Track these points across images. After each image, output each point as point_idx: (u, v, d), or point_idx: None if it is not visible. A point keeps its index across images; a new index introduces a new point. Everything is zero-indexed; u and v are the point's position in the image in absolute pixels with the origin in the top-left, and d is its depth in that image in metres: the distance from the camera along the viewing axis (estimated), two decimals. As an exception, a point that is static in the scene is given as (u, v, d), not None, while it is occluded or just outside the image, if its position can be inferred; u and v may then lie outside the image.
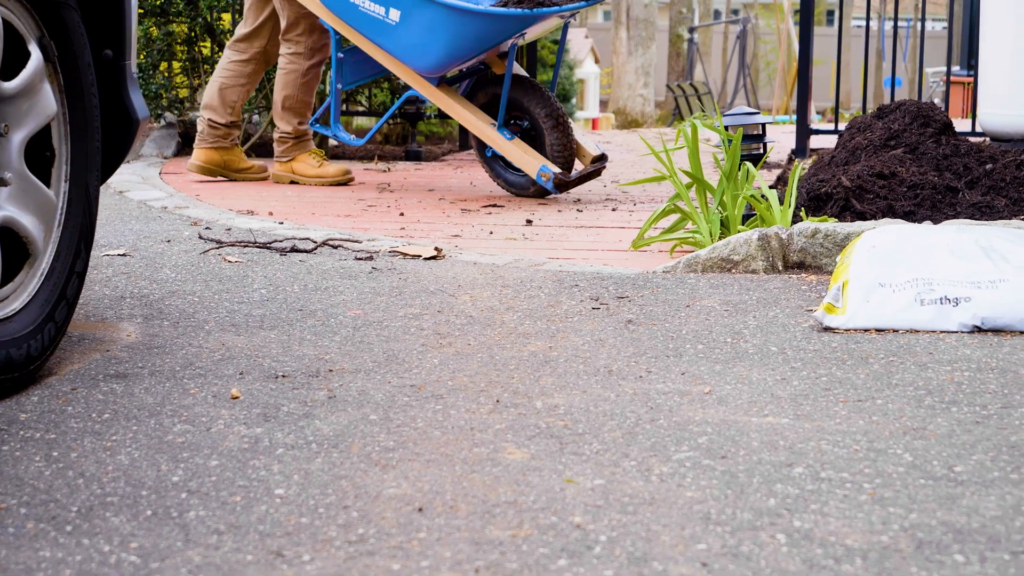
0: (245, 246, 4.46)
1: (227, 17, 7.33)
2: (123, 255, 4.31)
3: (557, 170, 5.51)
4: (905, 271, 3.36)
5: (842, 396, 2.76)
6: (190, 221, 5.04)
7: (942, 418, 2.62)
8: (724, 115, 4.81)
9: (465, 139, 7.91)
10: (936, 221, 4.58)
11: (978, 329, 3.26)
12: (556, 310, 3.57)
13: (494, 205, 5.59)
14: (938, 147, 5.10)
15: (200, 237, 4.61)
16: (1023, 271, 3.31)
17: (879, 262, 3.42)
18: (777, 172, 6.76)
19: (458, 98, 5.71)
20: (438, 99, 5.71)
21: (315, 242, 4.55)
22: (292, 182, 6.25)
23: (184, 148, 7.38)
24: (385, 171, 6.80)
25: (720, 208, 4.52)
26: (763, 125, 4.79)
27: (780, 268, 4.07)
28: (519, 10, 5.38)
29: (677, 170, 4.66)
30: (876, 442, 2.47)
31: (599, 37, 25.25)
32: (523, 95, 5.67)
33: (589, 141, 5.85)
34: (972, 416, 2.63)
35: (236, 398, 2.75)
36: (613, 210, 5.49)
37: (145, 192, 5.82)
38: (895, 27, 7.06)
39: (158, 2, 7.12)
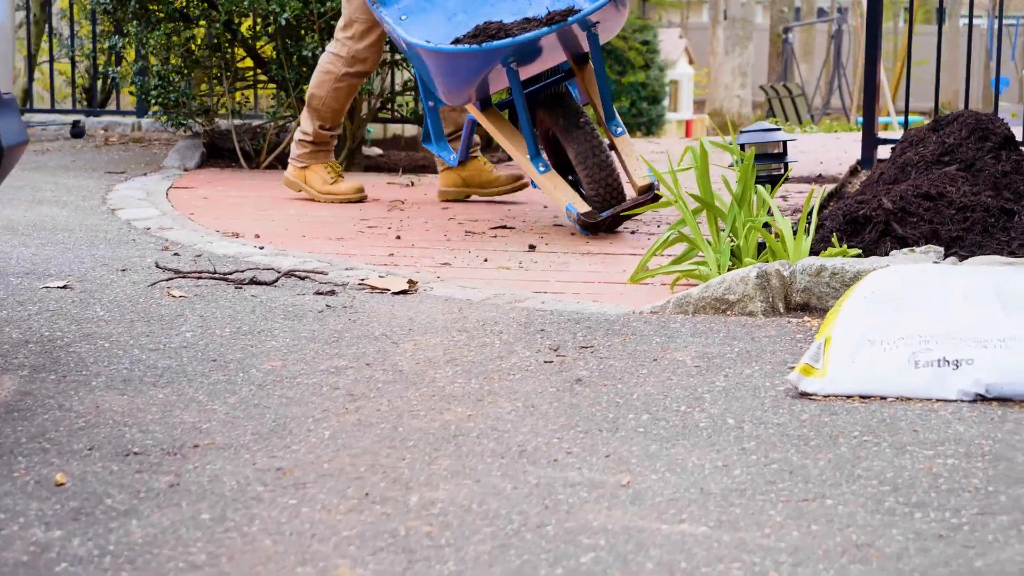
0: (200, 277, 4.03)
1: (247, 22, 6.93)
2: (63, 287, 3.91)
3: (584, 209, 4.77)
4: (902, 324, 2.84)
5: (786, 493, 2.26)
6: (162, 245, 4.63)
7: (899, 529, 2.10)
8: (741, 131, 4.30)
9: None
10: (987, 248, 4.04)
11: (982, 397, 2.73)
12: (502, 363, 3.09)
13: (503, 227, 5.11)
14: (997, 163, 4.54)
15: (158, 266, 4.20)
16: (1042, 327, 2.78)
17: (873, 312, 2.90)
18: (833, 187, 6.21)
19: (501, 123, 5.10)
20: (482, 121, 5.14)
21: (279, 272, 4.11)
22: (302, 192, 5.82)
23: (209, 159, 6.99)
24: (408, 185, 6.34)
25: (732, 236, 4.01)
26: (784, 143, 4.27)
27: (781, 310, 3.56)
28: (467, 46, 4.68)
29: (685, 193, 4.16)
30: (802, 566, 1.96)
31: (695, 37, 24.61)
32: (554, 122, 5.01)
33: (641, 166, 4.99)
34: (938, 526, 2.11)
35: (61, 485, 2.32)
36: (632, 233, 4.99)
37: (138, 210, 5.43)
38: (1000, 24, 6.48)
39: (177, 5, 6.74)
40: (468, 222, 5.24)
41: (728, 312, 3.59)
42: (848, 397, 2.78)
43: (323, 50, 6.06)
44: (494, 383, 2.94)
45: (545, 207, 5.51)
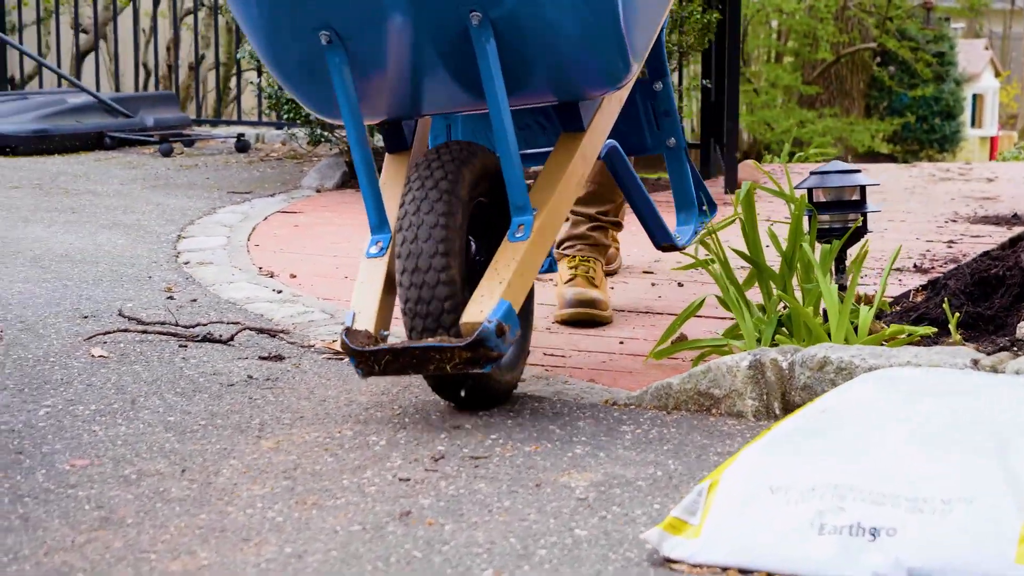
0: (146, 332, 3.47)
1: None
2: (-9, 338, 3.40)
3: (362, 327, 2.74)
4: (824, 466, 2.03)
5: None
6: (165, 285, 4.09)
7: None
8: (812, 172, 3.47)
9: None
10: None
11: (904, 586, 1.90)
12: (346, 479, 2.41)
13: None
14: None
15: (120, 314, 3.65)
16: (1016, 489, 1.93)
17: (794, 444, 2.10)
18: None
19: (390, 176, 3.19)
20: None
21: (237, 327, 3.52)
22: None
23: (351, 179, 6.47)
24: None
25: (791, 301, 3.19)
26: (862, 188, 3.42)
27: (777, 412, 2.75)
28: None
29: (727, 248, 3.37)
30: None
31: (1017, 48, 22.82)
32: None
33: (494, 292, 2.71)
34: None
35: None
36: (679, 285, 4.20)
37: (200, 240, 4.93)
38: None
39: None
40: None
41: (713, 410, 2.80)
42: (724, 570, 1.99)
43: None
44: (304, 510, 2.26)
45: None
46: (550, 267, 3.53)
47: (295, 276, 4.31)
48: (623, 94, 3.18)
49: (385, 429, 2.69)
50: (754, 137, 13.93)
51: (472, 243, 2.88)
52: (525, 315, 2.91)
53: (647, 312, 3.83)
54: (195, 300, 3.90)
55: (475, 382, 2.73)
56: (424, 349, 2.59)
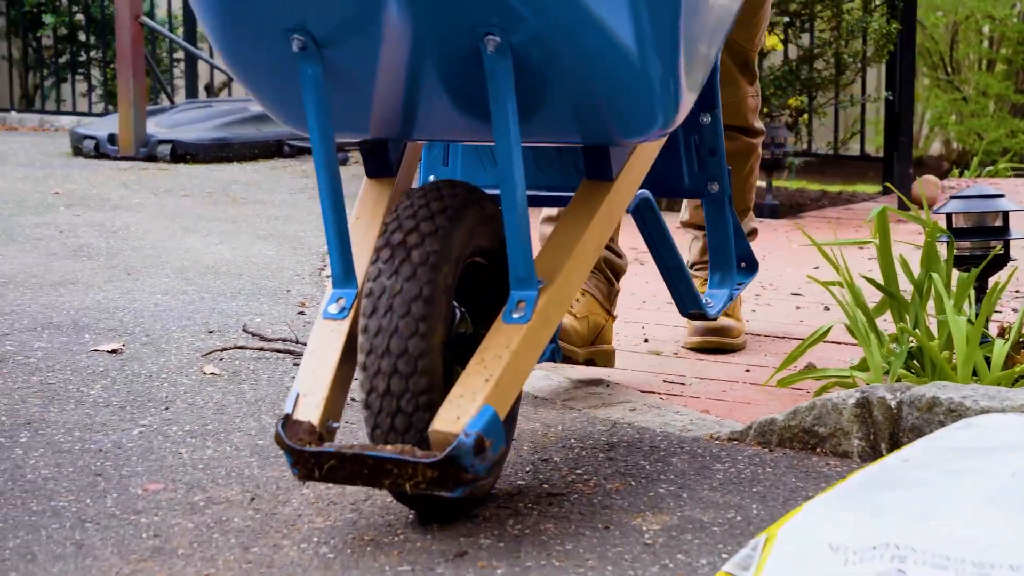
0: (263, 349, 3.45)
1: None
2: (114, 351, 3.42)
3: (305, 417, 2.19)
4: (882, 525, 1.88)
5: None
6: (299, 300, 4.08)
7: None
8: (953, 196, 3.29)
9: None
10: None
11: (962, 661, 1.74)
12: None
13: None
14: None
15: (244, 329, 3.64)
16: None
17: (862, 499, 1.95)
18: None
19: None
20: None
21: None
22: None
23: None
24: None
25: (915, 335, 3.03)
26: (1005, 213, 3.22)
27: (885, 452, 2.59)
28: None
29: (856, 274, 3.21)
30: None
31: None
32: None
33: (476, 396, 2.14)
34: None
35: None
36: (825, 309, 4.01)
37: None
38: None
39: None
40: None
41: (818, 449, 2.65)
42: (774, 632, 1.85)
43: None
44: (358, 547, 2.18)
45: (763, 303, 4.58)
46: (551, 356, 2.98)
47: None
48: (664, 137, 2.61)
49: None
50: (963, 147, 13.48)
51: (457, 312, 2.31)
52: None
53: (784, 338, 3.68)
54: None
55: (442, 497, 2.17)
56: (379, 460, 2.06)
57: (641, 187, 2.69)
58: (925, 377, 2.95)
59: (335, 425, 2.21)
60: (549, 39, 2.12)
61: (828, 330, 3.12)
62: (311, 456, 2.10)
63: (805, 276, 4.34)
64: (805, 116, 7.01)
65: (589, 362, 3.15)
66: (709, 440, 2.75)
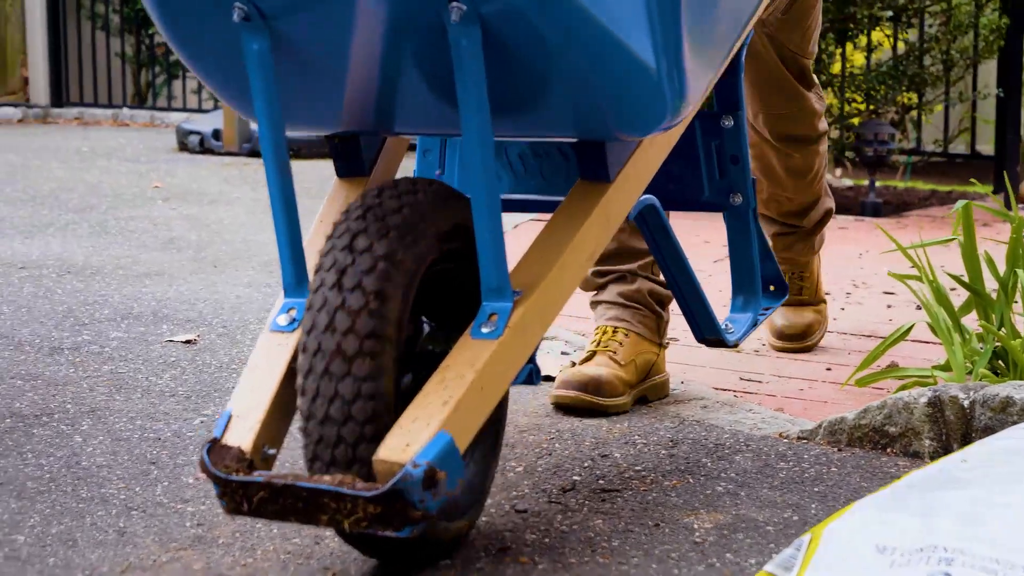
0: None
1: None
2: (188, 342, 3.42)
3: (235, 443, 1.94)
4: (931, 527, 1.80)
5: None
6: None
7: None
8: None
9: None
10: None
11: (1009, 671, 1.66)
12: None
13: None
14: None
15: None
16: None
17: (907, 500, 1.87)
18: None
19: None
20: None
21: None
22: None
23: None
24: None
25: (998, 334, 2.92)
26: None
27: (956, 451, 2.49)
28: None
29: (941, 271, 3.11)
30: None
31: None
32: None
33: (430, 420, 1.87)
34: None
35: None
36: (917, 308, 3.89)
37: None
38: None
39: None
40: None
41: (889, 449, 2.56)
42: (815, 636, 1.78)
43: None
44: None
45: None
46: (529, 377, 2.53)
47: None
48: (673, 135, 2.32)
49: (529, 454, 2.56)
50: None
51: (426, 326, 2.06)
52: (494, 427, 2.09)
53: (870, 336, 3.58)
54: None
55: (399, 540, 1.89)
56: (315, 492, 1.79)
57: (656, 200, 2.43)
58: (1007, 377, 2.85)
59: (272, 452, 1.94)
60: (523, 8, 1.84)
61: (910, 328, 3.02)
62: (238, 486, 1.82)
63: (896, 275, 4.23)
64: (913, 112, 6.86)
65: (640, 401, 2.93)
66: (777, 438, 2.67)
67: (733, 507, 2.27)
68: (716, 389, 3.08)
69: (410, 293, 1.89)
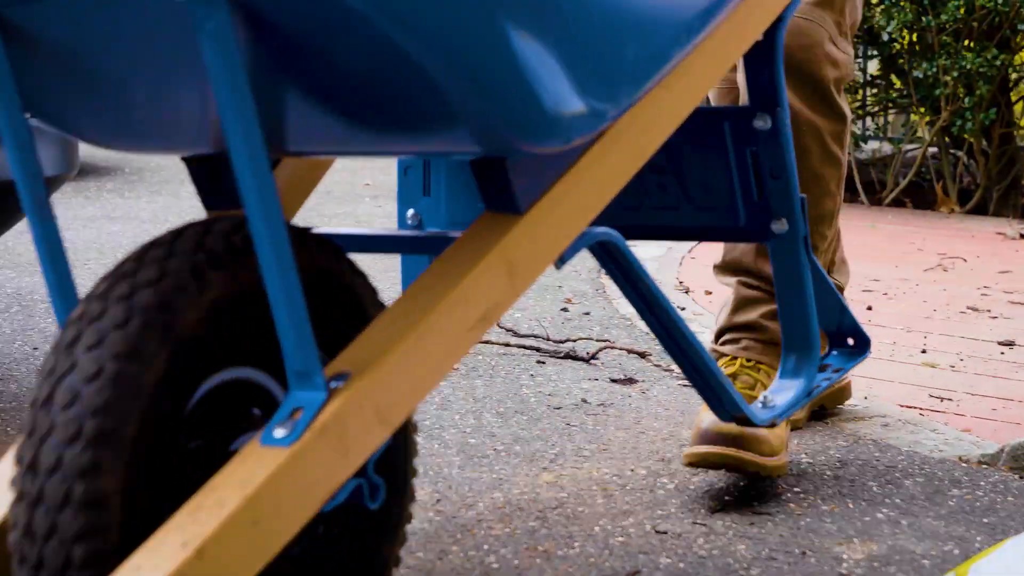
0: (508, 344, 3.34)
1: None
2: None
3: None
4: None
5: None
6: (568, 295, 3.96)
7: None
8: None
9: None
10: None
11: None
12: (608, 525, 2.16)
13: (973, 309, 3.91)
14: None
15: (498, 324, 3.54)
16: None
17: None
18: None
19: None
20: None
21: (603, 344, 3.33)
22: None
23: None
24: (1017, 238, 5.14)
25: None
26: None
27: None
28: None
29: None
30: None
31: None
32: None
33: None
34: None
35: None
36: None
37: (643, 249, 4.76)
38: None
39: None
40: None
41: (1074, 478, 2.36)
42: None
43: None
44: (529, 558, 2.03)
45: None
46: (363, 495, 1.54)
47: (710, 293, 4.06)
48: (638, 150, 1.66)
49: (684, 471, 2.42)
50: None
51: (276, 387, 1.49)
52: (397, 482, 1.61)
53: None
54: (588, 313, 3.73)
55: None
56: None
57: (674, 228, 2.01)
58: None
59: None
60: None
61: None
62: None
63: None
64: None
65: (817, 413, 2.67)
66: (956, 462, 2.48)
67: (890, 536, 2.10)
68: (901, 407, 2.90)
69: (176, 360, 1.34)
